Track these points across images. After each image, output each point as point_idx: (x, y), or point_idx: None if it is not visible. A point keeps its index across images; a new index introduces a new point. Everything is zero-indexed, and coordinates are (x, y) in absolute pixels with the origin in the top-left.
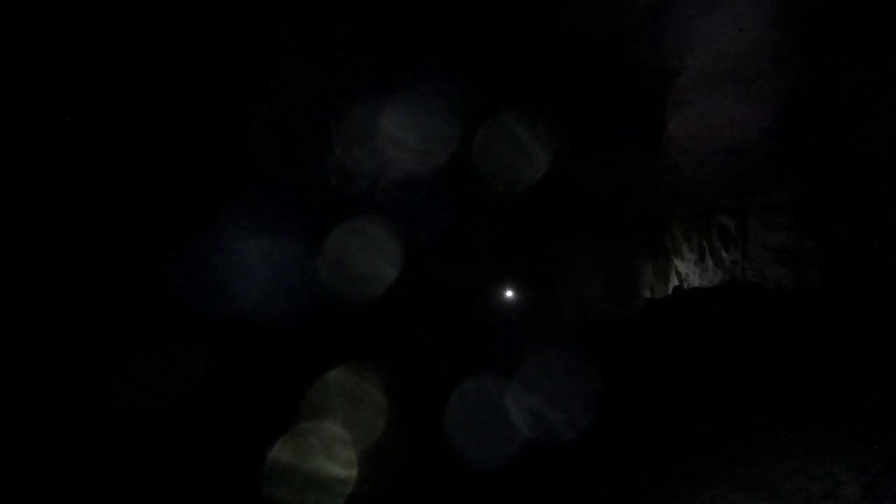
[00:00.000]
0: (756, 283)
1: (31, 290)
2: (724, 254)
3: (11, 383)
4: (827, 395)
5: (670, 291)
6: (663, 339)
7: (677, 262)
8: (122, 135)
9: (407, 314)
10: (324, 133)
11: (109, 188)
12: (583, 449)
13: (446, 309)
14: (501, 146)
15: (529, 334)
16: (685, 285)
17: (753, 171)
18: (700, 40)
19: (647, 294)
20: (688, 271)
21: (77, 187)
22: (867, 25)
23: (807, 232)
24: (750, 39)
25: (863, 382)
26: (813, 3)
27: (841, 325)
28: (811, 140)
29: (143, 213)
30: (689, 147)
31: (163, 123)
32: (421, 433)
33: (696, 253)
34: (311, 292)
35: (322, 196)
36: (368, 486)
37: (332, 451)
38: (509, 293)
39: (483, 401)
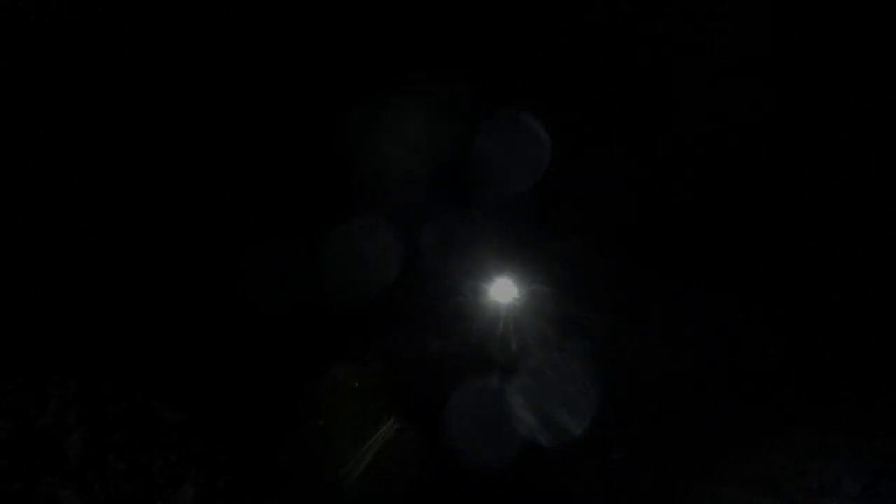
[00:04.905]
0: None
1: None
2: None
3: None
4: (827, 392)
5: None
6: (664, 336)
7: None
8: (119, 135)
9: (407, 314)
10: (324, 131)
11: (107, 187)
12: (584, 448)
13: (446, 308)
14: (502, 145)
15: (530, 333)
16: None
17: (754, 169)
18: (702, 38)
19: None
20: None
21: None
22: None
23: (807, 230)
24: (752, 37)
25: (863, 380)
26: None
27: (842, 322)
28: (812, 137)
29: (142, 213)
30: (690, 145)
31: (160, 124)
32: (421, 433)
33: None
34: (311, 292)
35: (322, 195)
36: (369, 487)
37: (333, 451)
38: (509, 292)
39: (483, 401)
